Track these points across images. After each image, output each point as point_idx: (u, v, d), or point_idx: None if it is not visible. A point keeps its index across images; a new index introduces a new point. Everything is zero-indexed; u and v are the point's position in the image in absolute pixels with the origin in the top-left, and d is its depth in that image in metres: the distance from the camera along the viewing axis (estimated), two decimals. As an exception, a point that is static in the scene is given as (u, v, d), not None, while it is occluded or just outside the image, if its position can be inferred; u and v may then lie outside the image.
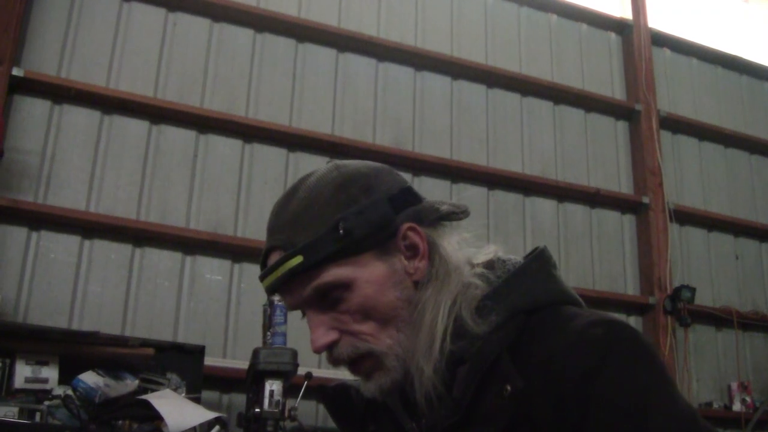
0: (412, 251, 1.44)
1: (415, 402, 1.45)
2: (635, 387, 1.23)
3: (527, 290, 1.40)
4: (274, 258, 1.42)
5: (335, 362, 1.43)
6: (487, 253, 1.51)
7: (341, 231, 1.37)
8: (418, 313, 1.40)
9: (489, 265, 1.47)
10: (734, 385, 6.43)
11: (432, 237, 1.46)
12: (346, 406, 1.59)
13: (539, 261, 1.47)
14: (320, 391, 1.65)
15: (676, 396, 1.26)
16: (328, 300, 1.40)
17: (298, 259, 1.38)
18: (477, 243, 1.53)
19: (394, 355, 1.40)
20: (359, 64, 6.03)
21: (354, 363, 1.42)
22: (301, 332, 4.57)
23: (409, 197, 1.48)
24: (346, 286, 1.39)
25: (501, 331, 1.35)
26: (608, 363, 1.24)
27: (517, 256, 1.50)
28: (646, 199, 6.56)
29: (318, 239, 1.39)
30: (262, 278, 1.44)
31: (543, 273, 1.45)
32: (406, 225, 1.44)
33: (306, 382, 3.90)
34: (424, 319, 1.39)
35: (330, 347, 1.41)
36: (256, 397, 3.88)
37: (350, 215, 1.39)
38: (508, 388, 1.28)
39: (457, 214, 1.51)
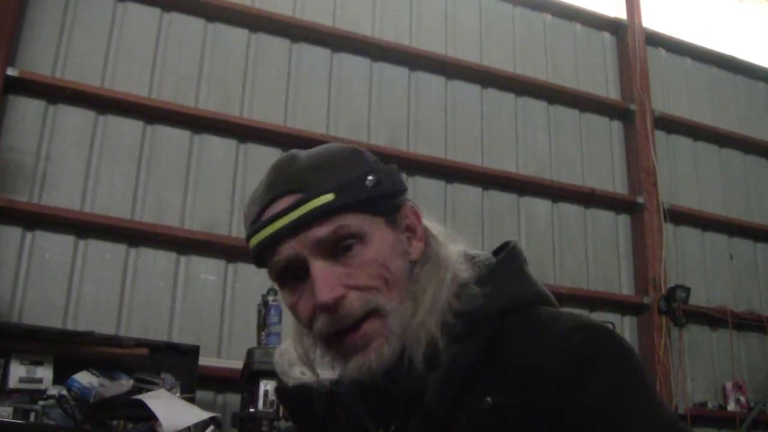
0: (411, 232, 1.43)
1: (383, 406, 1.41)
2: (619, 395, 1.21)
3: (502, 291, 1.36)
4: (286, 202, 1.35)
5: (340, 321, 1.33)
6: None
7: (368, 183, 1.36)
8: (417, 292, 1.36)
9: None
10: (729, 385, 6.44)
11: (425, 224, 1.45)
12: (305, 408, 1.52)
13: (512, 259, 1.44)
14: (279, 391, 1.58)
15: (657, 402, 1.24)
16: (338, 249, 1.34)
17: (328, 197, 1.33)
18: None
19: (399, 319, 1.34)
20: (354, 64, 6.04)
21: (355, 327, 1.33)
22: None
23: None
24: (362, 238, 1.34)
25: (474, 336, 1.32)
26: (591, 371, 1.21)
27: (484, 252, 1.46)
28: (640, 199, 6.57)
29: (348, 183, 1.35)
30: (267, 223, 1.36)
31: (516, 272, 1.42)
32: (409, 204, 1.44)
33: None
34: (423, 299, 1.35)
35: (337, 302, 1.32)
36: (250, 397, 3.89)
37: (377, 170, 1.39)
38: (489, 400, 1.25)
39: None
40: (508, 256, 1.44)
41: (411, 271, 1.39)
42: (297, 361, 1.48)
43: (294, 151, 1.43)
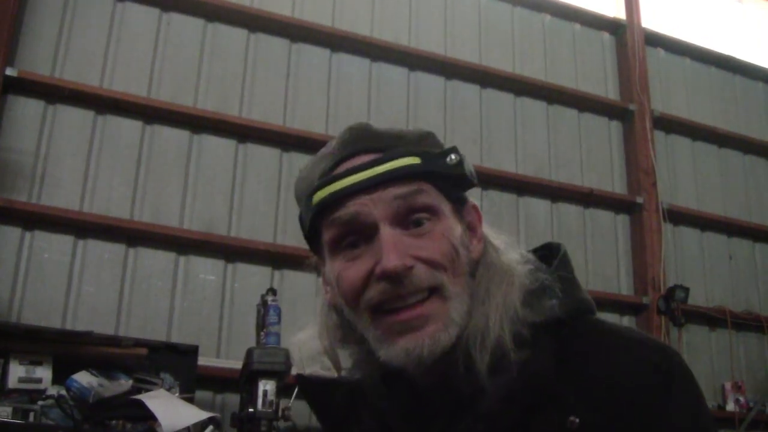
0: (472, 230, 1.37)
1: (413, 405, 1.35)
2: (696, 420, 1.21)
3: (568, 301, 1.32)
4: (366, 158, 1.31)
5: (400, 291, 1.24)
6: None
7: (450, 161, 1.32)
8: (475, 292, 1.30)
9: None
10: (728, 385, 6.44)
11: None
12: (325, 401, 1.45)
13: (567, 266, 1.39)
14: (301, 380, 1.47)
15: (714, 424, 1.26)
16: (409, 221, 1.28)
17: (414, 159, 1.29)
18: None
19: (460, 308, 1.27)
20: (353, 63, 6.03)
21: (416, 304, 1.25)
22: (294, 332, 4.57)
23: None
24: (435, 213, 1.29)
25: (545, 346, 1.25)
26: (673, 396, 1.19)
27: (527, 252, 1.40)
28: (639, 199, 6.57)
29: (432, 154, 1.32)
30: (342, 176, 1.29)
31: (572, 280, 1.37)
32: (472, 202, 1.40)
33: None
34: (488, 303, 1.28)
35: (404, 271, 1.23)
36: (249, 397, 3.88)
37: (458, 152, 1.34)
38: (575, 420, 1.18)
39: None
40: (563, 264, 1.38)
41: (471, 269, 1.32)
42: (318, 353, 1.41)
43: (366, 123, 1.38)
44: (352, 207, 1.27)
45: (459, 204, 1.36)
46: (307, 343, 1.44)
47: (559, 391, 1.20)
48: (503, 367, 1.22)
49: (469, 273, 1.32)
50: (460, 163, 1.33)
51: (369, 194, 1.27)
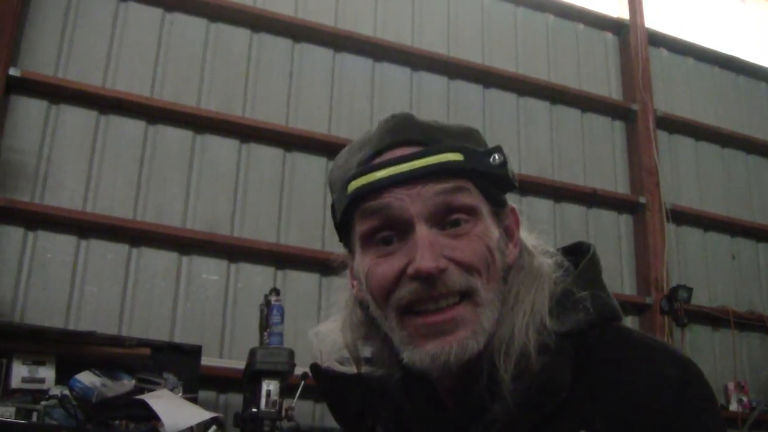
0: (509, 234, 1.34)
1: (431, 407, 1.34)
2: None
3: (594, 308, 1.26)
4: (407, 150, 1.26)
5: (432, 292, 1.21)
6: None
7: (493, 161, 1.28)
8: (507, 298, 1.27)
9: None
10: (731, 385, 6.43)
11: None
12: (341, 396, 1.41)
13: (596, 268, 1.35)
14: (317, 371, 1.42)
15: None
16: (445, 221, 1.24)
17: (457, 156, 1.24)
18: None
19: (490, 315, 1.25)
20: (356, 63, 6.03)
21: (447, 308, 1.22)
22: (297, 332, 4.56)
23: None
24: (474, 214, 1.26)
25: (566, 353, 1.22)
26: (689, 413, 1.18)
27: (554, 250, 1.37)
28: (642, 199, 6.56)
29: (475, 152, 1.27)
30: (381, 166, 1.25)
31: (600, 284, 1.32)
32: (511, 205, 1.36)
33: (303, 382, 3.91)
34: (517, 310, 1.25)
35: (439, 273, 1.21)
36: (252, 397, 3.89)
37: (502, 152, 1.29)
38: None
39: None
40: (592, 266, 1.35)
41: (505, 274, 1.30)
42: (338, 348, 1.39)
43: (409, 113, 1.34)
44: (388, 198, 1.24)
45: (498, 206, 1.32)
46: (328, 336, 1.41)
47: (577, 399, 1.19)
48: (524, 375, 1.21)
49: (502, 278, 1.29)
50: (504, 163, 1.29)
51: (408, 188, 1.23)
